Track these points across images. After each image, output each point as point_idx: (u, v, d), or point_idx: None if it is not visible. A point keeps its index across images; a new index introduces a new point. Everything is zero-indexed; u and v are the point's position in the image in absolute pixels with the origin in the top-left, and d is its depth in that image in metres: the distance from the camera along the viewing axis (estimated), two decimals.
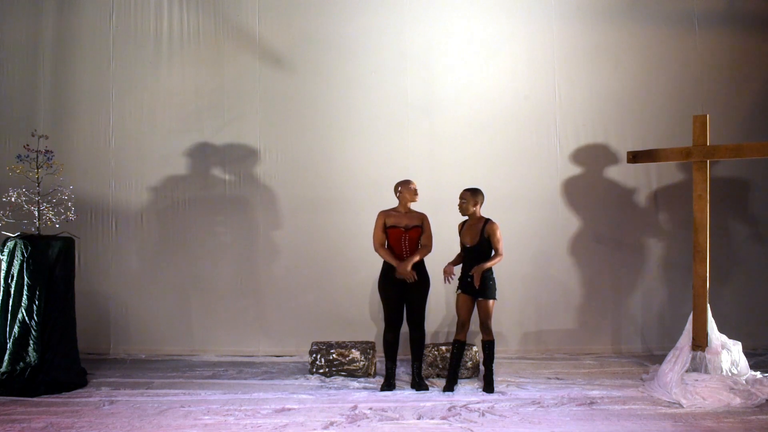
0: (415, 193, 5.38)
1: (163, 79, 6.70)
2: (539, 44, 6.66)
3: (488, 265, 5.17)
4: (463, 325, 5.29)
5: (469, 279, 5.20)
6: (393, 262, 5.26)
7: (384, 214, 5.41)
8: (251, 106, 6.67)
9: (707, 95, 6.60)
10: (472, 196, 5.29)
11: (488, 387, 5.20)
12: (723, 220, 6.53)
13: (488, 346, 5.26)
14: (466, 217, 5.38)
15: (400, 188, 5.40)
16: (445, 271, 5.26)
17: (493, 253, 5.24)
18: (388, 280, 5.32)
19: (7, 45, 6.73)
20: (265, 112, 6.68)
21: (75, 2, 6.73)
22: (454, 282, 5.35)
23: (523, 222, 6.58)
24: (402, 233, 5.31)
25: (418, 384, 5.30)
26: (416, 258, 5.24)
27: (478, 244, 5.21)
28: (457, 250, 5.43)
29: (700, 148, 5.19)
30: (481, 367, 5.44)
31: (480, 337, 5.33)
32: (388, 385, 5.29)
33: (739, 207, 6.69)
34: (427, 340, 5.73)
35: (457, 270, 5.41)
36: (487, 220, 5.27)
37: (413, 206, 5.45)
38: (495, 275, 5.29)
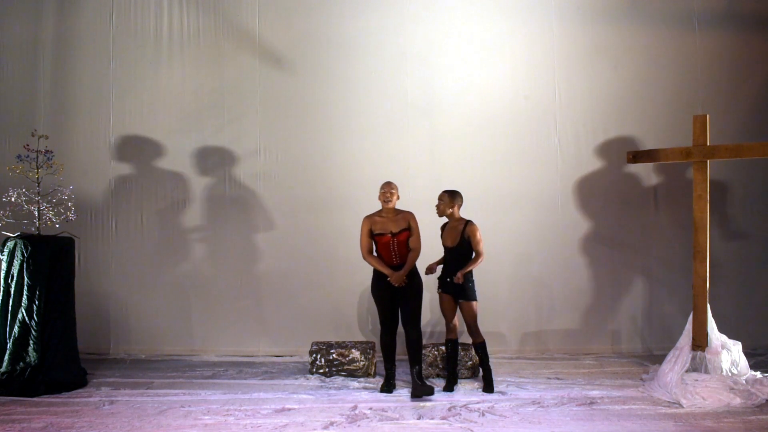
0: (383, 198, 5.23)
1: (163, 79, 6.70)
2: (539, 44, 6.66)
3: (471, 267, 5.21)
4: (450, 324, 5.33)
5: (448, 280, 5.25)
6: (385, 270, 5.16)
7: (369, 221, 5.27)
8: (251, 106, 6.67)
9: (707, 95, 6.60)
10: (450, 197, 5.30)
11: (488, 387, 5.20)
12: (723, 220, 6.53)
13: (480, 348, 5.28)
14: (447, 219, 5.39)
15: (386, 193, 5.27)
16: (428, 269, 5.37)
17: (474, 255, 5.27)
18: (380, 285, 5.24)
19: (7, 45, 6.74)
20: (265, 112, 6.68)
21: (75, 2, 6.73)
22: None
23: (523, 222, 6.59)
24: (390, 240, 5.19)
25: (421, 388, 5.03)
26: (409, 267, 5.18)
27: (459, 245, 5.24)
28: None
29: (700, 148, 5.18)
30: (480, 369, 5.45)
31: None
32: (388, 386, 5.27)
33: (739, 207, 6.69)
34: (425, 340, 5.72)
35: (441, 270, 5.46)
36: (468, 222, 5.29)
37: (399, 205, 5.36)
38: (475, 276, 5.32)
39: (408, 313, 5.23)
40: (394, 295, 5.22)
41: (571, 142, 6.65)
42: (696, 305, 5.21)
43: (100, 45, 6.71)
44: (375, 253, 5.32)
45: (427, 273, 5.35)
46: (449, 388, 5.24)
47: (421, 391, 5.00)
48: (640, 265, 6.67)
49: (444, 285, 5.31)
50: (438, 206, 5.34)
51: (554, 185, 6.64)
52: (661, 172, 6.64)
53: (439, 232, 5.45)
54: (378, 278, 5.26)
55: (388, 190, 5.25)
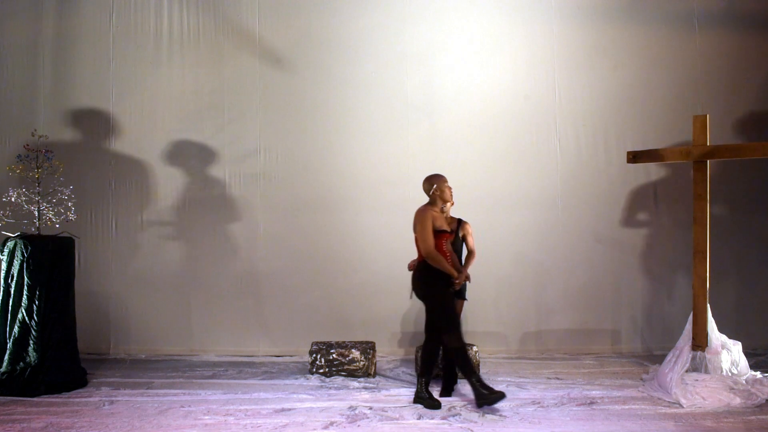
0: (451, 198, 4.85)
1: (163, 79, 6.70)
2: (539, 44, 6.66)
3: (471, 265, 5.13)
4: None
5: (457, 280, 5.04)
6: (453, 272, 4.72)
7: (431, 213, 4.72)
8: (251, 106, 6.67)
9: (707, 95, 6.61)
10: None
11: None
12: (723, 220, 6.53)
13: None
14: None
15: (435, 185, 4.80)
16: (412, 266, 5.03)
17: (466, 252, 5.23)
18: (444, 284, 4.73)
19: (7, 45, 6.74)
20: (265, 112, 6.68)
21: (75, 2, 6.73)
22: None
23: (523, 222, 6.59)
24: (448, 238, 4.78)
25: (429, 401, 4.76)
26: (470, 267, 4.92)
27: (453, 243, 5.06)
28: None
29: (700, 148, 5.18)
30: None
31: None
32: (492, 393, 4.61)
33: (739, 207, 6.69)
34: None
35: None
36: (460, 220, 5.25)
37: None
38: (473, 276, 5.25)
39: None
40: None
41: (571, 142, 6.66)
42: (696, 305, 5.20)
43: (100, 45, 6.71)
44: None
45: (411, 269, 5.08)
46: (447, 393, 5.10)
47: (429, 405, 4.74)
48: (640, 265, 6.66)
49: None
50: (451, 200, 5.07)
51: (554, 185, 6.64)
52: (661, 171, 6.64)
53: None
54: (441, 278, 4.73)
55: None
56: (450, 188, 4.83)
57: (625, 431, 4.26)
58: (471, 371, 4.67)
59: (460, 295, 5.25)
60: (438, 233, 4.70)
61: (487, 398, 4.62)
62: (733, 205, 6.66)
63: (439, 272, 4.71)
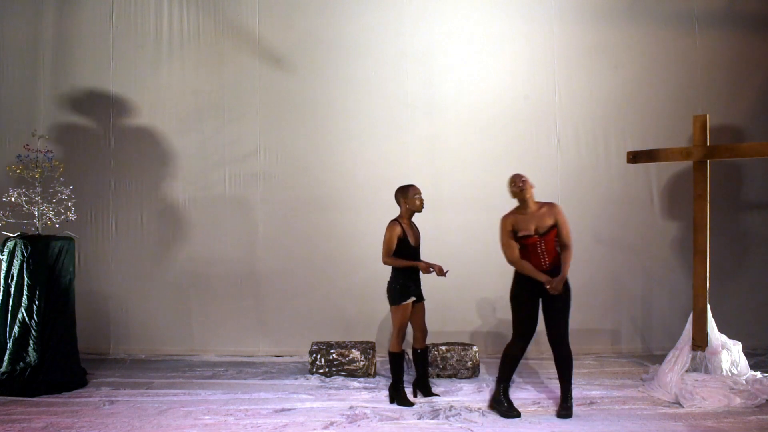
0: (517, 188, 4.50)
1: (163, 79, 6.70)
2: (539, 44, 6.66)
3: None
4: (422, 332, 5.03)
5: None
6: (542, 278, 4.41)
7: (510, 219, 4.51)
8: (251, 106, 6.67)
9: (707, 95, 6.60)
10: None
11: (428, 391, 5.06)
12: (723, 220, 6.53)
13: (426, 353, 5.12)
14: (392, 218, 4.91)
15: (515, 182, 4.52)
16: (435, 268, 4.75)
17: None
18: (527, 291, 4.51)
19: (7, 45, 6.74)
20: (265, 112, 6.68)
21: (75, 2, 6.74)
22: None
23: None
24: (537, 241, 4.44)
25: (568, 409, 4.56)
26: (567, 271, 4.46)
27: (414, 247, 4.92)
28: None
29: (700, 148, 5.18)
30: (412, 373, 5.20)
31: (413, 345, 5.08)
32: (513, 410, 4.56)
33: (739, 207, 6.69)
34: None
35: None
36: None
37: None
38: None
39: (559, 326, 4.50)
40: (538, 304, 4.55)
41: (571, 142, 6.66)
42: (696, 305, 5.20)
43: (100, 45, 6.71)
44: None
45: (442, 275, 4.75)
46: (432, 392, 5.06)
47: (568, 412, 4.55)
48: (640, 265, 6.66)
49: (419, 292, 4.94)
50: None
51: (554, 185, 6.63)
52: (661, 172, 6.64)
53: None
54: (526, 283, 4.51)
55: (519, 179, 4.52)
56: (514, 183, 4.52)
57: (625, 431, 4.26)
58: (505, 378, 4.62)
59: (423, 296, 4.99)
60: (522, 239, 4.46)
61: (501, 408, 4.57)
62: (734, 205, 6.66)
63: (525, 277, 4.49)
